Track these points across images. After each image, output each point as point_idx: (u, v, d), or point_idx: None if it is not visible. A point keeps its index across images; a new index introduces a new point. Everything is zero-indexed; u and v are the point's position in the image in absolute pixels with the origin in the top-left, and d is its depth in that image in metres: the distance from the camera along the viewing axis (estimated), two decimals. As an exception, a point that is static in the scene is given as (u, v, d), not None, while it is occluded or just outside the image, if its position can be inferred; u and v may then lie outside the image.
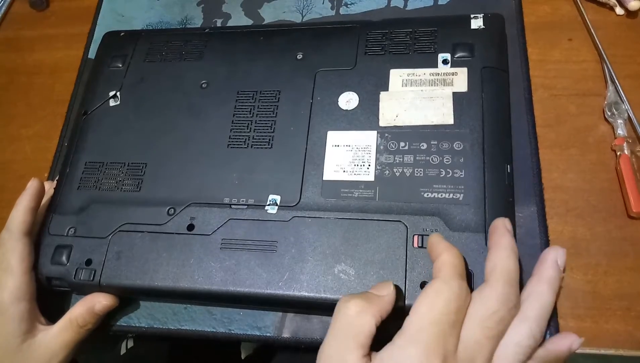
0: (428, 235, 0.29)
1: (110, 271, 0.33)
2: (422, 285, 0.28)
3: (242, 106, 0.36)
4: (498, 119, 0.32)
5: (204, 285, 0.31)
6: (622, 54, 0.37)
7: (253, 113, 0.35)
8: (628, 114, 0.34)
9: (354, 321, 0.24)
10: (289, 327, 0.33)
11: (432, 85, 0.33)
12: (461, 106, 0.32)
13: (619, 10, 0.38)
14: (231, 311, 0.34)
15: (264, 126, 0.35)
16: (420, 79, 0.34)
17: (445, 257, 0.25)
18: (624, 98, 0.35)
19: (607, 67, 0.36)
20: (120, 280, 0.32)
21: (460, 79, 0.33)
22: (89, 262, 0.33)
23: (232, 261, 0.31)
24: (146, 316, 0.35)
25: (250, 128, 0.35)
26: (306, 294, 0.30)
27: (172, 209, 0.33)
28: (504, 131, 0.32)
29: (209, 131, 0.36)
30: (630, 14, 0.38)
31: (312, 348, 0.32)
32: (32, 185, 0.34)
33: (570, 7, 0.39)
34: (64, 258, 0.33)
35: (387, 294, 0.26)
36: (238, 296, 0.31)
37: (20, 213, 0.33)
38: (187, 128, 0.36)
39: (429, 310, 0.23)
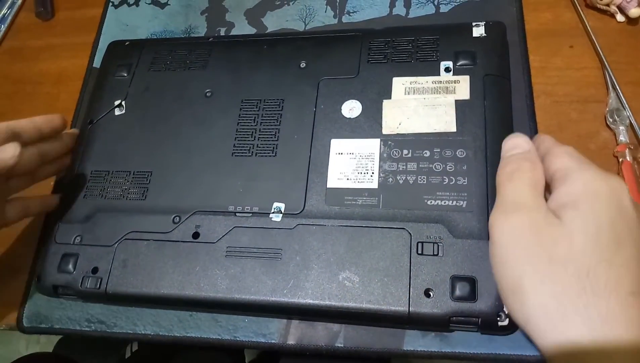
0: (432, 243, 0.29)
1: (117, 279, 0.33)
2: (426, 292, 0.28)
3: (246, 114, 0.36)
4: (500, 126, 0.32)
5: (210, 292, 0.31)
6: (624, 61, 0.37)
7: (257, 122, 0.36)
8: (630, 120, 0.35)
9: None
10: (294, 333, 0.33)
11: (434, 93, 0.33)
12: (464, 114, 0.32)
13: (619, 17, 0.38)
14: (236, 319, 0.34)
15: (268, 135, 0.35)
16: (423, 87, 0.34)
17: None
18: (626, 105, 0.35)
19: (609, 74, 0.36)
20: (126, 288, 0.33)
21: (462, 87, 0.33)
22: (95, 270, 0.33)
23: (237, 268, 0.31)
24: (152, 324, 0.35)
25: (255, 136, 0.35)
26: (311, 301, 0.30)
27: (178, 218, 0.34)
28: (505, 134, 0.32)
29: (214, 140, 0.36)
30: (630, 20, 0.38)
31: (316, 355, 0.33)
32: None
33: (571, 14, 0.40)
34: (70, 267, 0.34)
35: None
36: (243, 303, 0.31)
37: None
38: (192, 137, 0.36)
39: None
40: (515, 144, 0.26)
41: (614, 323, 0.19)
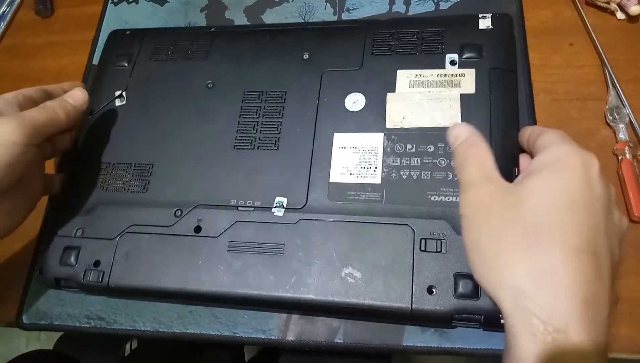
0: (435, 239, 0.29)
1: (119, 272, 0.33)
2: (429, 289, 0.28)
3: (248, 106, 0.36)
4: (506, 121, 0.32)
5: (212, 287, 0.31)
6: (623, 59, 0.37)
7: (259, 114, 0.35)
8: (629, 118, 0.35)
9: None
10: (293, 330, 0.33)
11: (439, 86, 0.33)
12: (469, 108, 0.32)
13: (619, 15, 0.38)
14: (236, 315, 0.34)
15: (270, 127, 0.35)
16: (428, 80, 0.34)
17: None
18: (625, 102, 0.35)
19: (609, 72, 0.36)
20: (128, 281, 0.33)
21: (467, 81, 0.33)
22: (97, 263, 0.33)
23: (240, 263, 0.31)
24: (151, 320, 0.35)
25: (257, 129, 0.35)
26: (313, 297, 0.30)
27: (179, 211, 0.34)
28: (511, 133, 0.32)
29: (215, 132, 0.36)
30: (631, 18, 0.38)
31: (316, 350, 0.33)
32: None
33: (571, 12, 0.40)
34: (72, 259, 0.34)
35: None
36: (245, 298, 0.31)
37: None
38: (193, 129, 0.36)
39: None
40: (456, 135, 0.26)
41: (555, 274, 0.20)
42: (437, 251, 0.29)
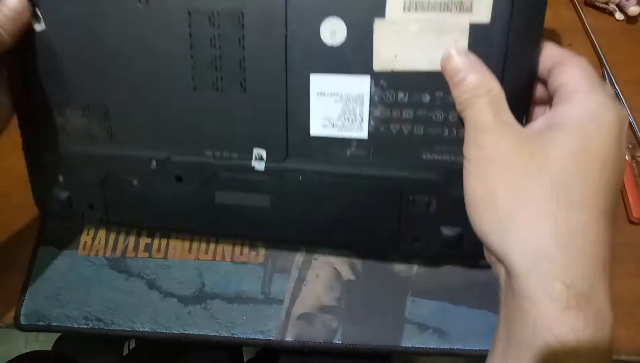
0: (424, 198, 0.29)
1: (116, 211, 0.33)
2: (415, 238, 0.29)
3: (198, 33, 0.28)
4: (524, 64, 0.25)
5: (208, 228, 0.33)
6: (622, 59, 0.37)
7: (214, 45, 0.28)
8: (627, 119, 0.35)
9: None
10: (292, 331, 0.33)
11: (443, 10, 0.25)
12: (479, 45, 0.25)
13: (618, 16, 0.39)
14: (234, 316, 0.34)
15: (231, 63, 0.28)
16: (429, 1, 0.25)
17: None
18: (624, 103, 0.35)
19: (607, 72, 0.36)
20: (127, 219, 0.33)
21: (482, 3, 0.24)
22: (91, 206, 0.33)
23: (229, 212, 0.32)
24: (150, 321, 0.35)
25: (216, 66, 0.28)
26: (303, 239, 0.32)
27: (154, 161, 0.31)
28: (527, 78, 0.25)
29: (166, 69, 0.29)
30: (629, 19, 0.38)
31: (314, 351, 0.33)
32: None
33: (571, 13, 0.40)
34: (66, 202, 0.34)
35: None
36: (239, 236, 0.35)
37: None
38: (139, 64, 0.29)
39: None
40: (454, 69, 0.23)
41: (583, 237, 0.19)
42: (425, 209, 0.29)
